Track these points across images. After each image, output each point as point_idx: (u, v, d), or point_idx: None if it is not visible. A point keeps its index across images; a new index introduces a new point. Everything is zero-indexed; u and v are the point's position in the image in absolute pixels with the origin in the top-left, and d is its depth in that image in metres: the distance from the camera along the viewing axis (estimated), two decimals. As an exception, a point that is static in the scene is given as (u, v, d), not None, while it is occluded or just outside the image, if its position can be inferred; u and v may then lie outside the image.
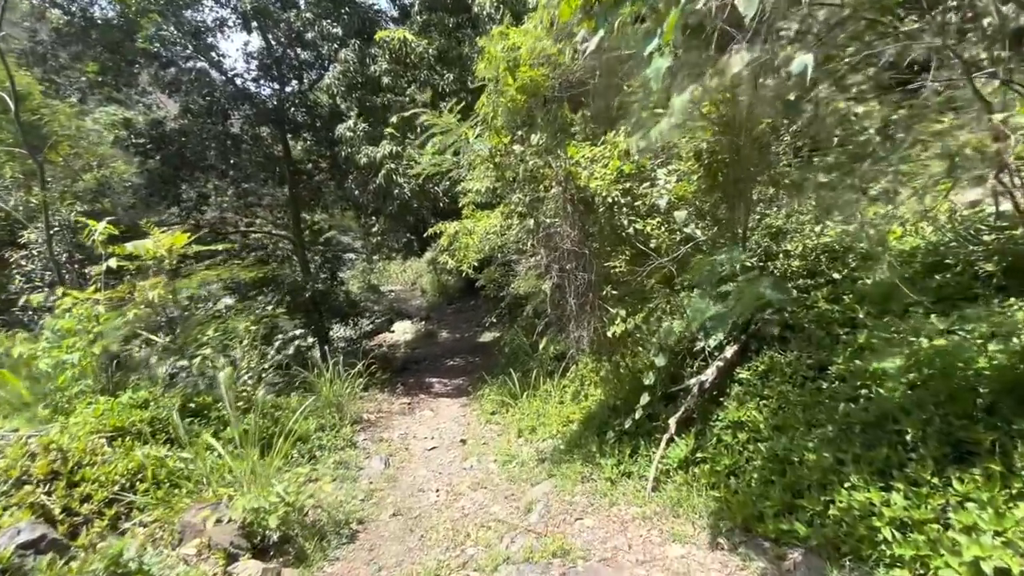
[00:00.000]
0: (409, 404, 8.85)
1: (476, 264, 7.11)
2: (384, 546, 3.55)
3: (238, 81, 11.44)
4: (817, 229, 4.36)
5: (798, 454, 2.98)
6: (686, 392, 3.93)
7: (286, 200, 12.49)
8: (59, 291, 4.27)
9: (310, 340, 11.52)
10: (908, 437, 2.56)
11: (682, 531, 3.16)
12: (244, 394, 5.07)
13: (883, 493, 2.41)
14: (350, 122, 8.58)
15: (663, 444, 3.80)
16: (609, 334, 3.77)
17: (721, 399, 3.80)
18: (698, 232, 4.20)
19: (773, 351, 3.85)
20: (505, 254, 6.78)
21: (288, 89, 11.70)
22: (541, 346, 4.16)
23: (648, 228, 4.05)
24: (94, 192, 8.75)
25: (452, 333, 16.34)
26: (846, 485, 2.58)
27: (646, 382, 4.00)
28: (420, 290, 21.13)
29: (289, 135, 11.85)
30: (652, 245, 4.02)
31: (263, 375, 5.61)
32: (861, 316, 3.54)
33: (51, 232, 7.28)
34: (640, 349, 4.27)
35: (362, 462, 5.52)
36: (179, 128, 10.57)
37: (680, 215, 4.09)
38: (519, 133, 3.75)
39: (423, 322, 16.77)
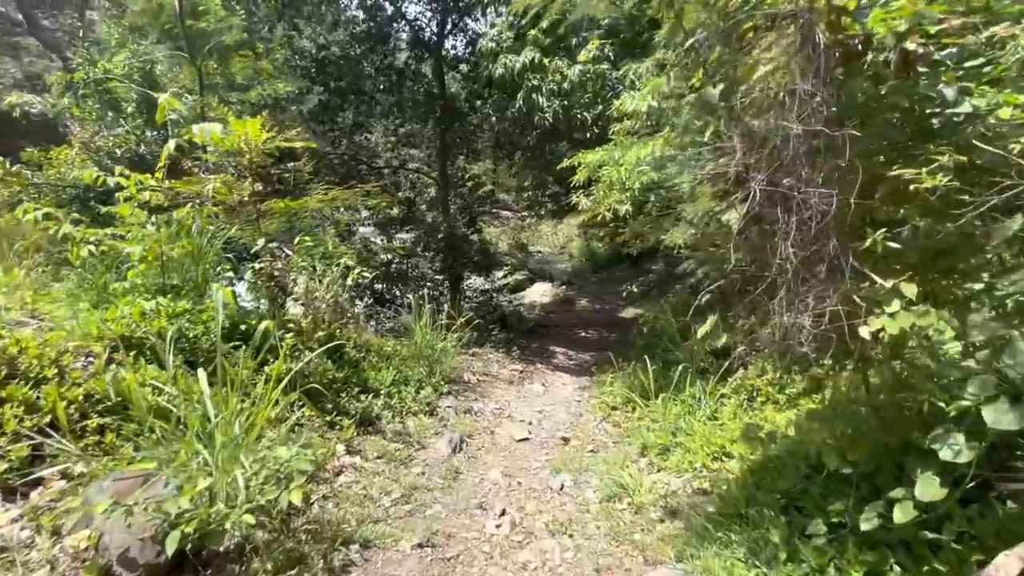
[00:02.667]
0: (521, 372, 7.54)
1: (617, 207, 5.21)
2: (371, 611, 2.17)
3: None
4: None
5: None
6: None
7: (436, 138, 11.90)
8: (118, 170, 3.72)
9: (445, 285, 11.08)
10: None
11: None
12: (298, 324, 4.14)
13: None
14: (493, 31, 7.13)
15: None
16: (865, 333, 1.69)
17: None
18: None
19: None
20: (661, 196, 4.75)
21: (451, 18, 10.75)
22: (702, 331, 2.17)
23: (1003, 111, 1.78)
24: (256, 106, 8.91)
25: (592, 303, 15.13)
26: None
27: (933, 446, 1.84)
28: (568, 255, 20.23)
29: (447, 70, 11.02)
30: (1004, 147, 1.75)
31: (343, 308, 4.70)
32: None
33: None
34: (921, 377, 2.05)
35: (428, 438, 4.26)
36: (340, 53, 10.38)
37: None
38: None
39: (564, 287, 15.77)
